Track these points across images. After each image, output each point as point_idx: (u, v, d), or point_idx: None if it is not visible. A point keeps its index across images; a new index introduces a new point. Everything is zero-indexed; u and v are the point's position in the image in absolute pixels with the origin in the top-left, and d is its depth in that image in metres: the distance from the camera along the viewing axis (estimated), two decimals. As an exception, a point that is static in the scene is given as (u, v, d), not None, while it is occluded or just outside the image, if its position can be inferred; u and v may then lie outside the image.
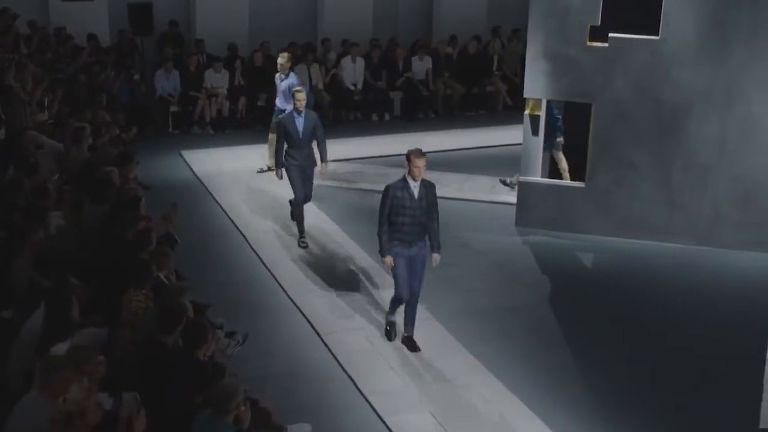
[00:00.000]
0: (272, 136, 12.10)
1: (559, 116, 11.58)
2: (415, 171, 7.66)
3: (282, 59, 12.49)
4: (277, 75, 12.58)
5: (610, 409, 7.41)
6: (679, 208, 10.89)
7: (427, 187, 7.84)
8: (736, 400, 7.60)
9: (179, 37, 16.53)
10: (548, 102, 11.20)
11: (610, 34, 10.59)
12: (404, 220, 7.78)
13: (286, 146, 10.26)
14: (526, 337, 8.64)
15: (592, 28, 10.62)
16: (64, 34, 15.06)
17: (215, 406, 5.14)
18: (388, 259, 7.88)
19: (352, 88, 16.52)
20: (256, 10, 16.97)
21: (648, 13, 10.39)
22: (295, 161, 10.28)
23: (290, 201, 10.75)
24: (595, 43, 10.66)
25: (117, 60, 15.52)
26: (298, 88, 10.86)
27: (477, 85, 17.28)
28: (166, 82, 15.46)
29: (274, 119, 12.24)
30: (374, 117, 16.69)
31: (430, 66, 16.91)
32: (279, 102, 12.50)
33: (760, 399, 7.44)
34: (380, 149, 14.45)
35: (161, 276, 7.30)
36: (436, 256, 8.04)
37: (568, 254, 10.73)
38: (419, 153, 7.67)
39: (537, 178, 11.37)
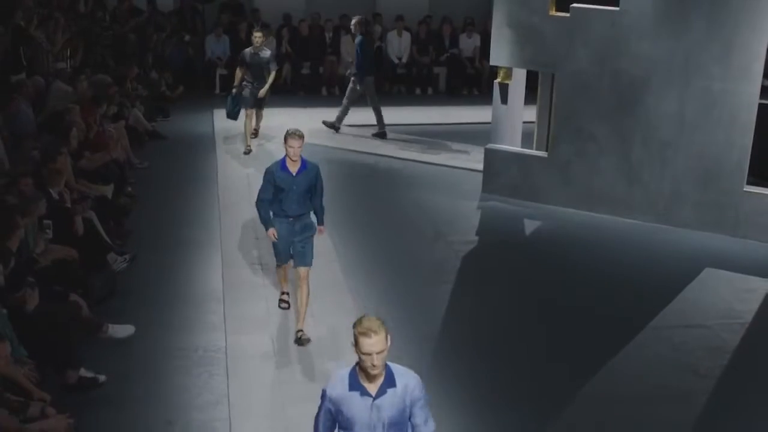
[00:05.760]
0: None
1: None
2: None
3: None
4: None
5: (470, 372, 7.32)
6: (639, 184, 10.73)
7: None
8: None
9: (239, 6, 17.55)
10: None
11: (572, 5, 10.59)
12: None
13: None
14: (412, 286, 8.88)
15: (557, -3, 10.68)
16: (124, -4, 16.41)
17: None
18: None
19: (396, 61, 16.97)
20: (314, -18, 17.72)
21: (611, -16, 10.34)
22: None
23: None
24: (558, 13, 10.69)
25: (177, 24, 16.74)
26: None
27: (526, 65, 17.26)
28: (216, 46, 16.52)
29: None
30: (417, 91, 17.10)
31: (479, 44, 17.10)
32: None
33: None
34: (406, 119, 14.94)
35: (52, 192, 8.21)
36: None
37: (514, 221, 10.82)
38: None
39: (503, 145, 11.50)
